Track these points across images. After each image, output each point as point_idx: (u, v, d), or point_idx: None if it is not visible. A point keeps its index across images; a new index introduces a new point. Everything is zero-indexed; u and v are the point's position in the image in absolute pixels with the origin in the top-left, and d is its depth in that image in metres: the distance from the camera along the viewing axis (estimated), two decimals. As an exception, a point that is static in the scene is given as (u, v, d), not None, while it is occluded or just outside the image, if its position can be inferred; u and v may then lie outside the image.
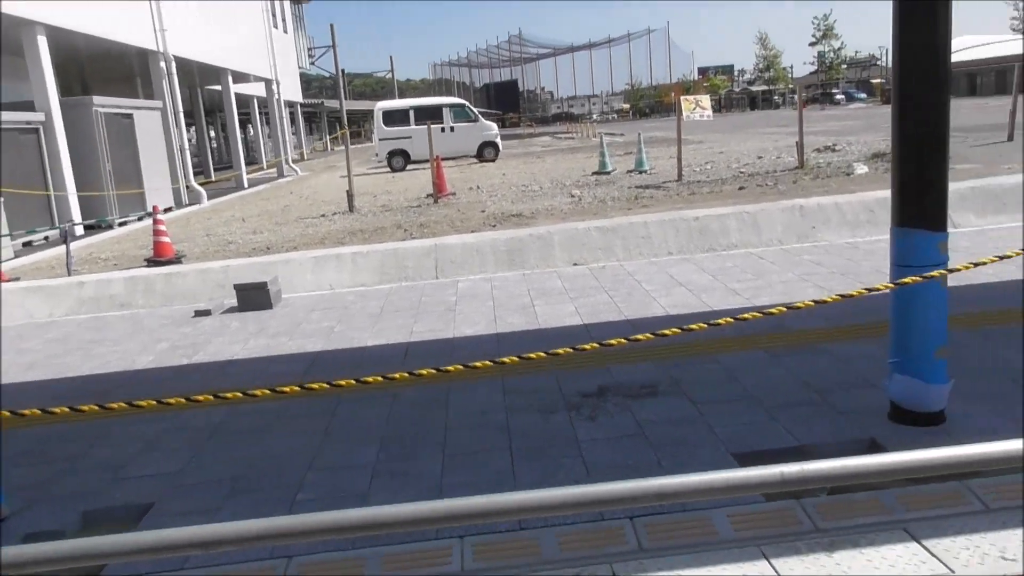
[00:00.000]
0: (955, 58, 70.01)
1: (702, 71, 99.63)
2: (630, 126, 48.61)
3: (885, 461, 1.67)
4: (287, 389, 2.85)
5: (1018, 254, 1.62)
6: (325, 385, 2.78)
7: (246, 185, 25.08)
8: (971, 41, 74.33)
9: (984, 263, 1.76)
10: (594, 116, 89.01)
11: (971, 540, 3.05)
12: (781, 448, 3.96)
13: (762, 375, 4.92)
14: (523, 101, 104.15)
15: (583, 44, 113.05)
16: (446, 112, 26.22)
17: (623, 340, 3.11)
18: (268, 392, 2.86)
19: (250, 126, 41.30)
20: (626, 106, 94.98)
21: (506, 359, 2.95)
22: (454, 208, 13.60)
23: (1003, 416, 4.03)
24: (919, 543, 3.05)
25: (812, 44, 64.86)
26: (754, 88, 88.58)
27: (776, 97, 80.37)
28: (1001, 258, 2.05)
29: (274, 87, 30.68)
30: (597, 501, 1.84)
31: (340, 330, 6.89)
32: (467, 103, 28.66)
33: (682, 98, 16.07)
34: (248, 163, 30.93)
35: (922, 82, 3.76)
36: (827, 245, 8.75)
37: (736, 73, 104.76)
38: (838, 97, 71.78)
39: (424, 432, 4.47)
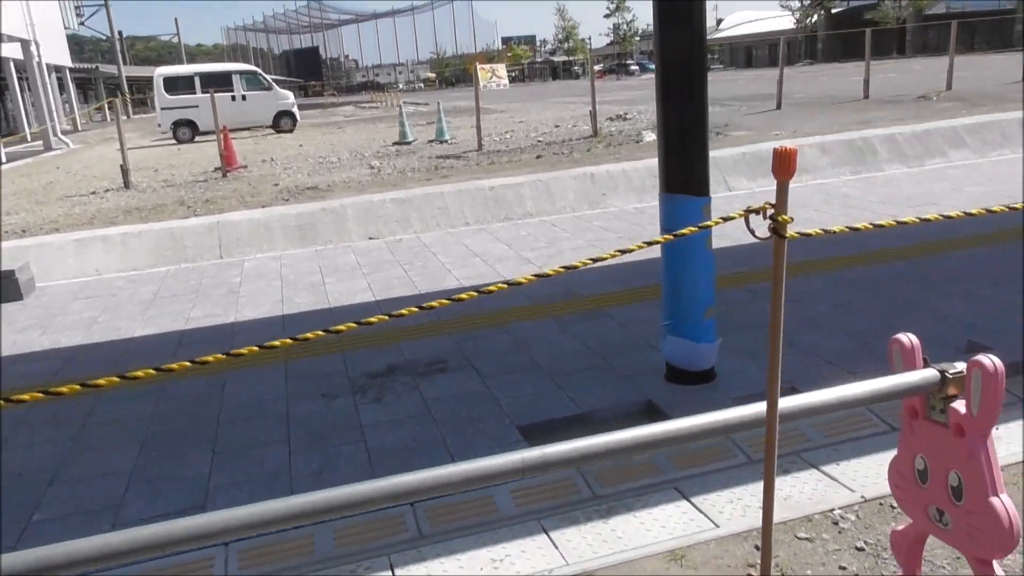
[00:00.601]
0: (732, 32, 74.97)
1: (505, 41, 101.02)
2: (436, 95, 48.35)
3: (615, 439, 1.63)
4: (25, 396, 2.41)
5: (741, 215, 1.61)
6: (76, 387, 2.38)
7: (3, 159, 22.34)
8: (746, 16, 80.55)
9: (732, 218, 1.76)
10: (400, 85, 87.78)
11: (734, 493, 3.18)
12: (565, 417, 3.97)
13: (550, 343, 4.94)
14: (326, 69, 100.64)
15: (386, 11, 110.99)
16: (236, 79, 24.59)
17: (414, 309, 2.94)
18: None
19: (7, 94, 36.79)
20: (432, 75, 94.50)
21: (277, 343, 2.68)
22: (244, 182, 12.80)
23: (763, 367, 4.29)
24: (688, 500, 3.14)
25: (607, 16, 67.53)
26: (555, 58, 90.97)
27: (576, 67, 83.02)
28: (749, 212, 2.12)
29: (33, 48, 27.42)
30: (344, 505, 1.66)
31: (105, 320, 6.22)
32: (259, 70, 27.05)
33: (479, 67, 16.05)
34: (5, 135, 27.58)
35: (681, 63, 3.85)
36: (616, 211, 9.05)
37: (538, 43, 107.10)
38: (632, 68, 75.28)
39: (193, 429, 4.09)
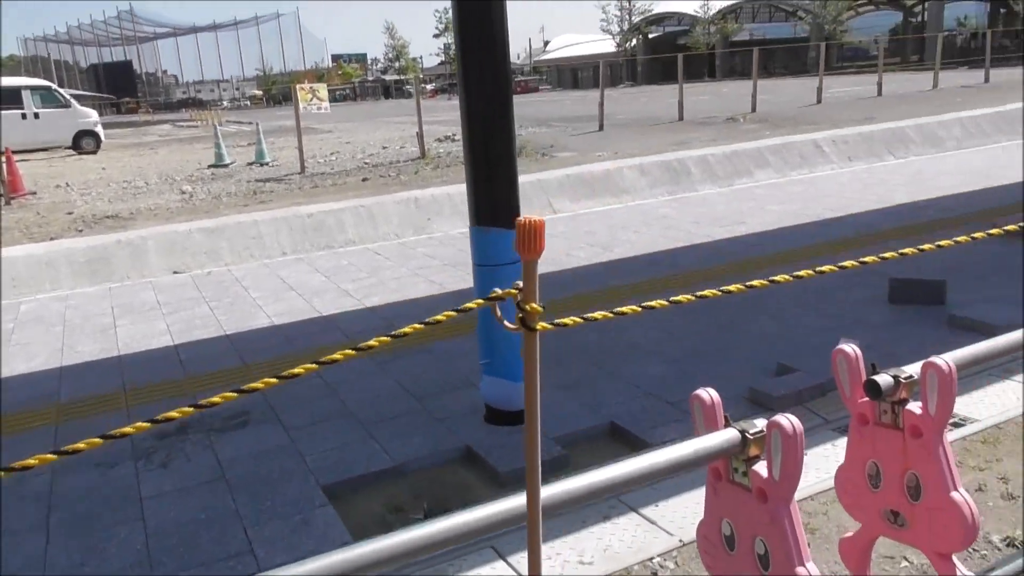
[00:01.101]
0: (558, 54, 77.22)
1: (336, 58, 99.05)
2: (263, 114, 46.48)
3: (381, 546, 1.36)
4: None
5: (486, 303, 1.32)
6: None
7: None
8: (571, 39, 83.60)
9: (469, 308, 1.48)
10: (224, 103, 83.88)
11: (552, 547, 2.99)
12: (375, 472, 3.66)
13: (365, 386, 4.61)
14: (142, 85, 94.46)
15: (207, 25, 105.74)
16: (27, 95, 22.33)
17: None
18: None
19: None
20: (259, 93, 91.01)
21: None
22: (32, 211, 11.51)
23: (583, 402, 4.17)
24: (505, 560, 2.91)
25: (436, 36, 67.81)
26: (387, 77, 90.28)
27: (408, 86, 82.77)
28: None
29: None
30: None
31: None
32: (53, 85, 24.75)
33: (299, 88, 15.43)
34: None
35: (485, 86, 3.67)
36: (442, 236, 8.84)
37: (370, 61, 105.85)
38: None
39: (-74, 520, 3.42)
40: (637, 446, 3.72)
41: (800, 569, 1.70)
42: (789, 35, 55.14)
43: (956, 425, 3.70)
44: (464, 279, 6.71)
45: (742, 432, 1.79)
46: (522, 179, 10.39)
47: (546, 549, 2.98)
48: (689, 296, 1.80)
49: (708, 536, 1.94)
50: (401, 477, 3.67)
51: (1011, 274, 5.97)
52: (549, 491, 1.60)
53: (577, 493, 1.63)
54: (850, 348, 2.08)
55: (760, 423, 1.82)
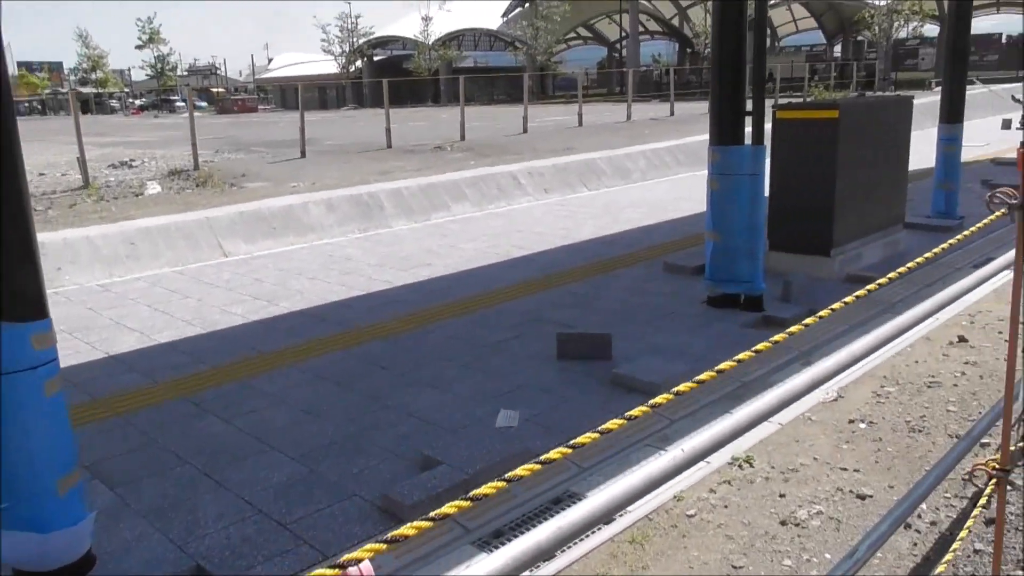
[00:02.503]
0: (281, 72, 73.81)
1: (23, 66, 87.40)
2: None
3: None
4: None
5: None
6: None
7: None
8: (295, 58, 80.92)
9: None
10: None
11: None
12: None
13: None
14: None
15: None
16: None
17: None
18: None
19: None
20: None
21: None
22: None
23: (174, 534, 3.18)
24: None
25: (139, 47, 61.97)
26: (84, 90, 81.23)
27: (113, 101, 75.00)
28: None
29: None
30: None
31: None
32: None
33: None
34: None
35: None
36: (75, 290, 7.30)
37: (66, 72, 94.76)
38: (179, 104, 70.42)
39: None
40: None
41: None
42: (512, 64, 57.56)
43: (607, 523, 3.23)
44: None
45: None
46: (188, 217, 9.13)
47: None
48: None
49: None
50: None
51: (681, 317, 5.90)
52: None
53: None
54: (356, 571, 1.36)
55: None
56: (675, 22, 59.11)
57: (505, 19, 56.94)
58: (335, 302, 6.62)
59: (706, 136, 5.97)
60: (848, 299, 2.02)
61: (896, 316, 5.53)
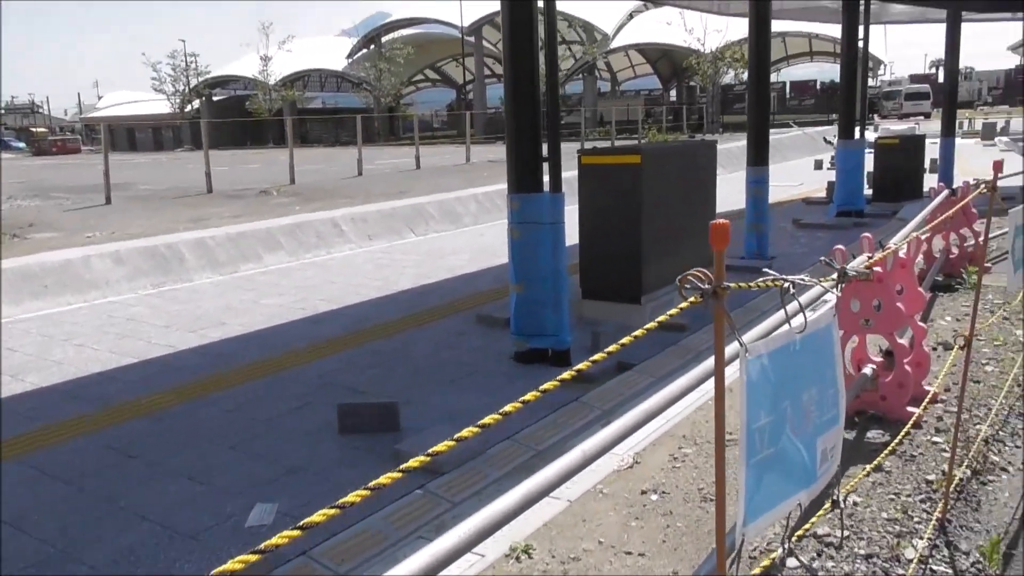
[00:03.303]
0: (112, 111, 69.68)
1: None
2: None
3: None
4: None
5: None
6: None
7: None
8: (126, 96, 76.45)
9: None
10: None
11: None
12: None
13: None
14: None
15: None
16: None
17: None
18: None
19: None
20: None
21: None
22: None
23: None
24: None
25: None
26: None
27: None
28: None
29: None
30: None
31: None
32: None
33: None
34: None
35: None
36: None
37: None
38: (-3, 143, 64.66)
39: None
40: None
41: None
42: (361, 105, 56.74)
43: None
44: None
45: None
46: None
47: None
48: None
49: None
50: None
51: (486, 375, 5.50)
52: None
53: None
54: None
55: None
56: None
57: (350, 60, 56.29)
58: (98, 374, 5.77)
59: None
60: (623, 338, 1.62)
61: (698, 365, 5.36)
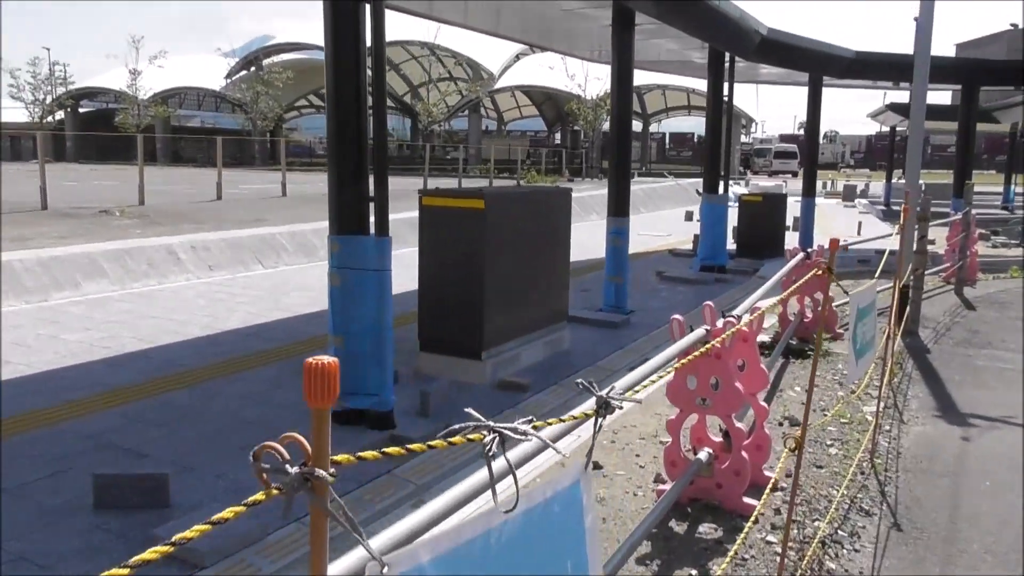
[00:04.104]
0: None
1: None
2: None
3: None
4: None
5: None
6: None
7: None
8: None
9: None
10: None
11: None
12: None
13: None
14: None
15: None
16: None
17: None
18: None
19: None
20: None
21: None
22: None
23: None
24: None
25: None
26: None
27: None
28: None
29: None
30: None
31: None
32: None
33: None
34: None
35: None
36: None
37: None
38: None
39: None
40: None
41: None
42: (238, 127, 54.56)
43: None
44: None
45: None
46: None
47: None
48: None
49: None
50: None
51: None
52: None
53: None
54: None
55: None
56: (408, 99, 60.00)
57: (228, 80, 54.23)
58: None
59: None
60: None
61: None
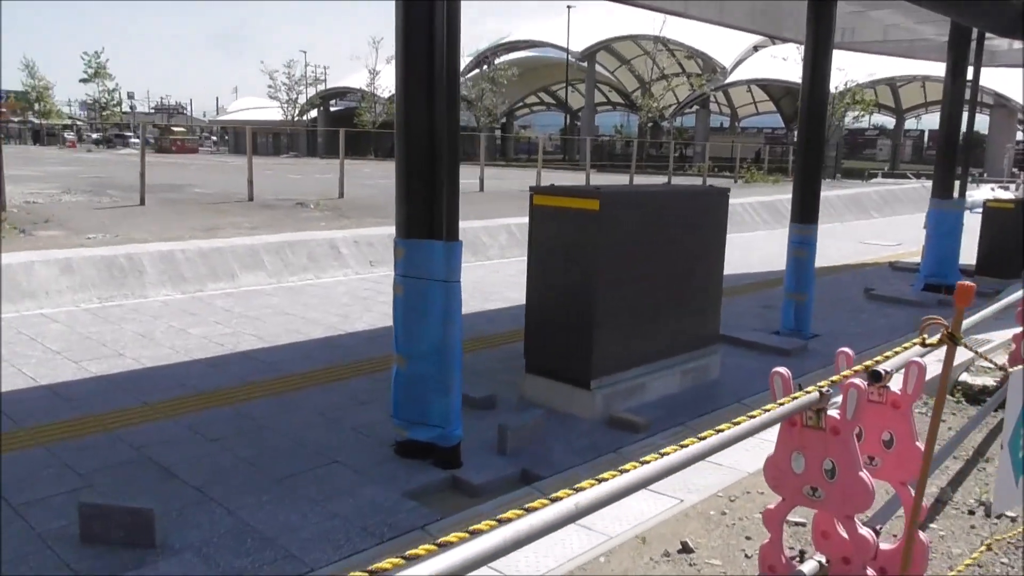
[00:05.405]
0: (237, 116, 71.91)
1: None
2: None
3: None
4: None
5: None
6: None
7: None
8: (252, 102, 79.67)
9: None
10: None
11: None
12: None
13: None
14: None
15: None
16: None
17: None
18: None
19: None
20: None
21: None
22: None
23: None
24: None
25: (84, 81, 59.73)
26: (37, 120, 78.87)
27: (69, 133, 72.63)
28: None
29: None
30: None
31: None
32: None
33: None
34: None
35: None
36: None
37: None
38: (133, 140, 68.27)
39: None
40: None
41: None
42: (471, 124, 56.68)
43: None
44: None
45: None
46: None
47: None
48: None
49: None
50: None
51: (341, 471, 4.16)
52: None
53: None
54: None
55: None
56: (637, 95, 58.87)
57: (463, 79, 56.32)
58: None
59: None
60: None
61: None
